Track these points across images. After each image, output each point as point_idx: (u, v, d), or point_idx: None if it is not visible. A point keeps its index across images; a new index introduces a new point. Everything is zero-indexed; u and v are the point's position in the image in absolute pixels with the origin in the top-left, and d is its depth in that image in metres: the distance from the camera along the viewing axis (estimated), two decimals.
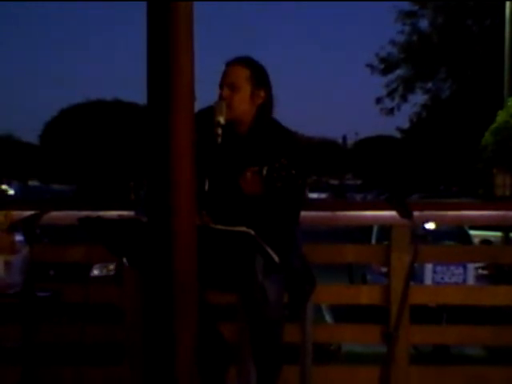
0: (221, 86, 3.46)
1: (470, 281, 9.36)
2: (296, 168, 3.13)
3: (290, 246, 3.46)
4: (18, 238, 3.47)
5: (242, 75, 3.43)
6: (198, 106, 3.32)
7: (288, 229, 3.46)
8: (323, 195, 43.59)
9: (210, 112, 3.40)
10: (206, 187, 3.27)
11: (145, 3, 2.16)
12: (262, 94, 3.46)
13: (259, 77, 3.46)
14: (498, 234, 13.57)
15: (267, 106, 3.49)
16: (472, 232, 11.88)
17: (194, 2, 2.19)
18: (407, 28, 32.71)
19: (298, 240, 3.58)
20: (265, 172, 3.12)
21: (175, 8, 2.13)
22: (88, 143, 29.23)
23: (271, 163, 3.13)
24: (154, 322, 2.18)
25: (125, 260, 3.35)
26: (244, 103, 3.43)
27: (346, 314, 7.26)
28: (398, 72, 33.64)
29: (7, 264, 3.42)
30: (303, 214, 3.48)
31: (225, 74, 3.47)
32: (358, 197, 36.82)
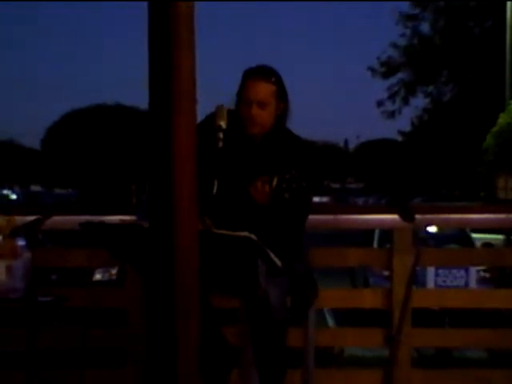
0: (244, 100, 3.46)
1: (472, 284, 9.35)
2: (307, 180, 3.15)
3: (295, 252, 3.47)
4: (20, 242, 3.48)
5: (269, 92, 3.44)
6: (200, 108, 3.33)
7: (294, 235, 3.47)
8: (325, 199, 43.56)
9: (213, 119, 3.43)
10: (215, 190, 3.28)
11: (145, 4, 2.16)
12: (282, 105, 3.49)
13: (282, 91, 3.49)
14: (500, 236, 13.57)
15: (284, 115, 3.52)
16: (474, 235, 11.88)
17: (196, 2, 2.19)
18: (408, 31, 32.73)
19: (303, 247, 3.59)
20: (275, 182, 3.15)
21: (176, 8, 2.13)
22: (90, 147, 29.28)
23: (282, 174, 3.15)
24: (156, 324, 2.18)
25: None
26: (271, 118, 3.46)
27: (348, 316, 7.25)
28: (400, 75, 33.64)
29: (9, 269, 3.42)
30: None
31: (251, 91, 3.44)
32: (360, 200, 36.81)
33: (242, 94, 3.47)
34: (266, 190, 3.22)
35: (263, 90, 3.44)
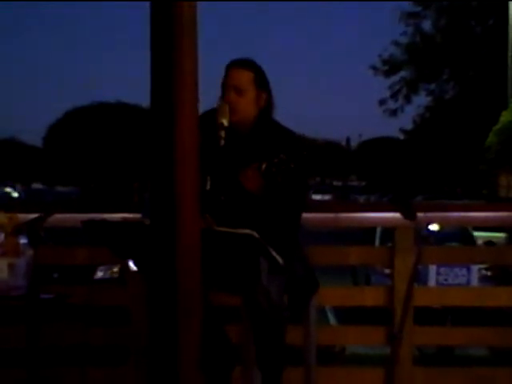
0: (224, 89, 3.47)
1: (474, 282, 9.34)
2: (295, 162, 3.15)
3: (293, 248, 3.46)
4: (23, 240, 3.48)
5: (246, 78, 3.45)
6: (202, 107, 3.33)
7: (291, 230, 3.47)
8: (327, 197, 43.54)
9: (212, 114, 3.42)
10: (208, 187, 3.28)
11: (148, 4, 2.16)
12: (265, 96, 3.49)
13: (262, 79, 3.49)
14: (502, 235, 13.57)
15: (268, 108, 3.52)
16: (476, 233, 11.87)
17: (198, 3, 2.19)
18: (410, 29, 32.72)
19: (301, 245, 3.59)
20: (263, 167, 3.15)
21: (179, 9, 2.13)
22: (92, 145, 29.29)
23: (270, 159, 3.15)
24: (158, 323, 2.18)
25: (130, 263, 3.35)
26: (249, 106, 3.46)
27: (350, 314, 7.25)
28: (402, 73, 33.64)
29: (11, 266, 3.42)
30: (306, 215, 3.48)
31: (229, 77, 3.48)
32: (361, 198, 36.79)
33: (222, 83, 3.50)
34: (256, 177, 3.22)
35: (238, 75, 3.46)
